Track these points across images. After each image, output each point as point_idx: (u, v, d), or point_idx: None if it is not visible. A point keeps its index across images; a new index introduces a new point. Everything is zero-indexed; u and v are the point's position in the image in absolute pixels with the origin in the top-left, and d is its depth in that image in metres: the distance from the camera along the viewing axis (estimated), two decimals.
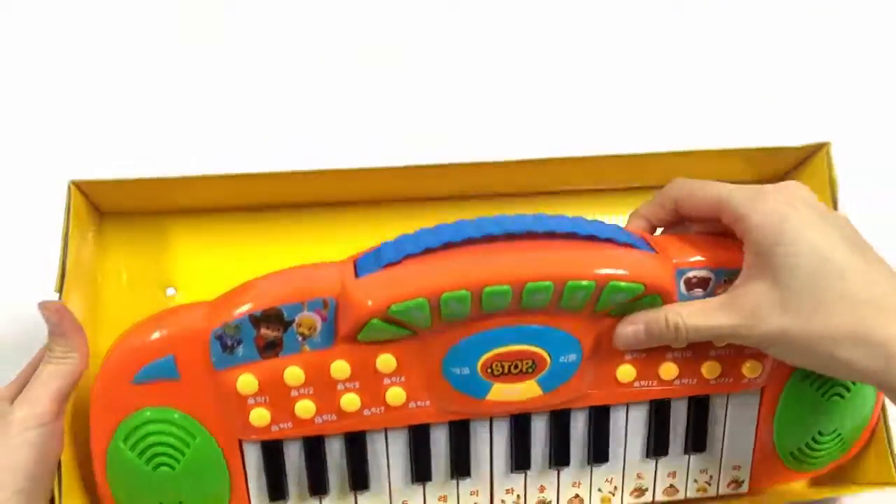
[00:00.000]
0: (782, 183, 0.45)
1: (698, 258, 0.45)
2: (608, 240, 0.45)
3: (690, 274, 0.45)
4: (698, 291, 0.46)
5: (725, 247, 0.46)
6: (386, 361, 0.44)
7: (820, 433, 0.51)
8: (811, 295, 0.41)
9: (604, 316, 0.45)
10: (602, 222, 0.46)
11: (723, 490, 0.52)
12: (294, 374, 0.44)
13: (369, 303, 0.42)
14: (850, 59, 0.69)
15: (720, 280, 0.46)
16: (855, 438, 0.52)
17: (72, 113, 0.61)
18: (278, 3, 0.66)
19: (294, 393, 0.44)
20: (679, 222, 0.49)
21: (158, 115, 0.62)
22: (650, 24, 0.68)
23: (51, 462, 0.43)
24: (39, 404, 0.43)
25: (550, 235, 0.45)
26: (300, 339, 0.44)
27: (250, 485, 0.47)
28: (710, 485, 0.52)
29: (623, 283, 0.43)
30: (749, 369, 0.48)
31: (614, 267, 0.43)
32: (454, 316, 0.43)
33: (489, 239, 0.44)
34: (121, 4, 0.65)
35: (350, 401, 0.45)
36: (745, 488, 0.52)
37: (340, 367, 0.44)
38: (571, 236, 0.45)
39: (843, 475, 0.55)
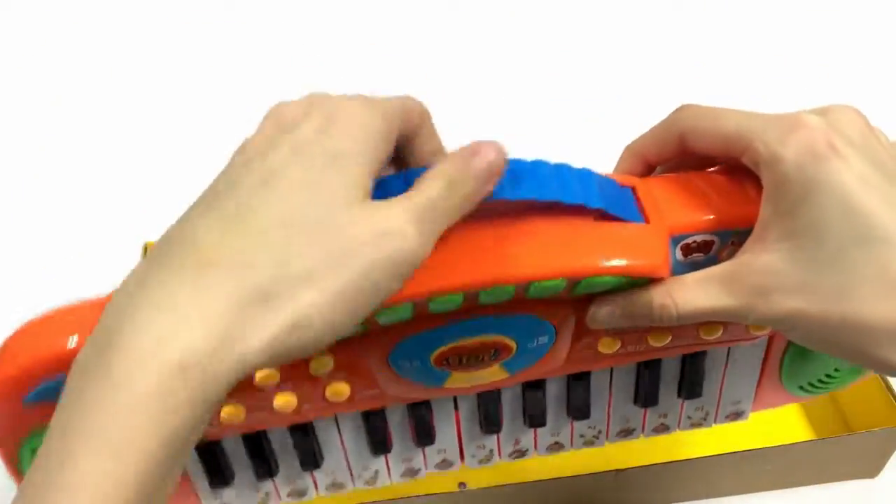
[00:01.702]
0: (830, 107, 0.34)
1: (700, 219, 0.36)
2: (595, 209, 0.35)
3: (689, 239, 0.36)
4: (698, 256, 0.37)
5: (738, 200, 0.36)
6: (321, 363, 0.37)
7: (836, 369, 0.44)
8: (841, 270, 0.32)
9: (579, 297, 0.37)
10: (583, 174, 0.36)
11: (720, 422, 0.47)
12: None
13: None
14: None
15: (726, 242, 0.37)
16: None
17: (147, 177, 0.66)
18: None
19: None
20: (684, 160, 0.39)
21: None
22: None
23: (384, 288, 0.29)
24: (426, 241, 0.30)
25: (521, 212, 0.35)
26: None
27: (193, 480, 0.42)
28: (705, 420, 0.46)
29: (602, 278, 0.34)
30: (757, 326, 0.40)
31: (591, 259, 0.34)
32: (395, 321, 0.35)
33: None
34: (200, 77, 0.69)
35: (285, 402, 0.38)
36: (745, 417, 0.47)
37: (266, 375, 0.37)
38: (552, 207, 0.35)
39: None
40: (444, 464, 0.46)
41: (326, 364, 0.37)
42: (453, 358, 0.37)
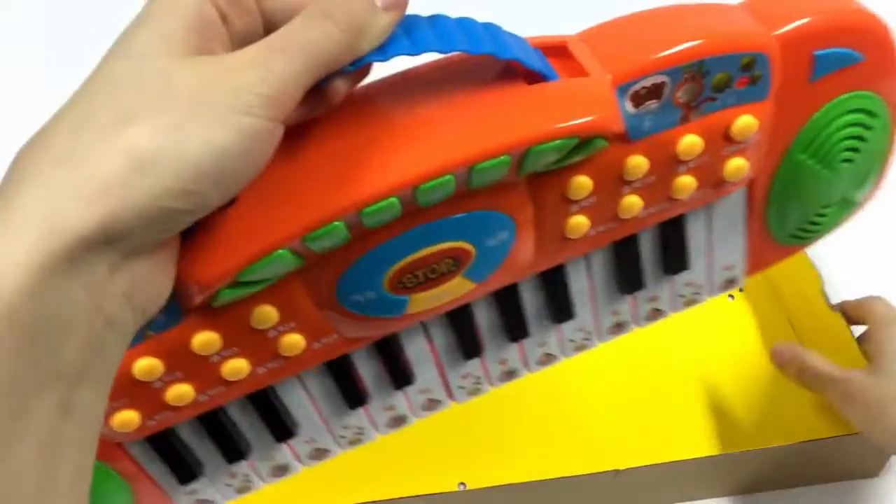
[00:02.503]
0: None
1: (643, 60, 0.32)
2: (523, 70, 0.31)
3: (637, 86, 0.32)
4: (652, 105, 0.33)
5: (680, 33, 0.32)
6: (264, 314, 0.33)
7: (825, 206, 0.40)
8: None
9: (533, 174, 0.33)
10: (490, 25, 0.31)
11: (715, 293, 0.43)
12: (146, 366, 0.32)
13: (202, 280, 0.29)
14: None
15: (678, 80, 0.32)
16: (869, 189, 0.41)
17: None
18: None
19: (157, 384, 0.33)
20: None
21: None
22: None
23: (241, 181, 0.26)
24: (273, 79, 0.25)
25: (439, 88, 0.31)
26: None
27: (155, 476, 0.37)
28: (698, 294, 0.43)
29: (551, 144, 0.30)
30: (733, 171, 0.36)
31: (533, 125, 0.30)
32: (329, 248, 0.31)
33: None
34: None
35: (235, 368, 0.34)
36: (740, 283, 0.43)
37: (204, 340, 0.32)
38: (475, 76, 0.31)
39: None
40: (432, 404, 0.41)
41: (269, 315, 0.33)
42: (408, 278, 0.33)
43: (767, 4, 0.34)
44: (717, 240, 0.40)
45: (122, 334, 0.25)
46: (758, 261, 0.42)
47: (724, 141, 0.35)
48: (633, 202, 0.35)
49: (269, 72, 0.25)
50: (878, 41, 0.35)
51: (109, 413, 0.33)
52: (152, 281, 0.26)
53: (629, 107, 0.32)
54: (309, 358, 0.35)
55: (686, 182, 0.35)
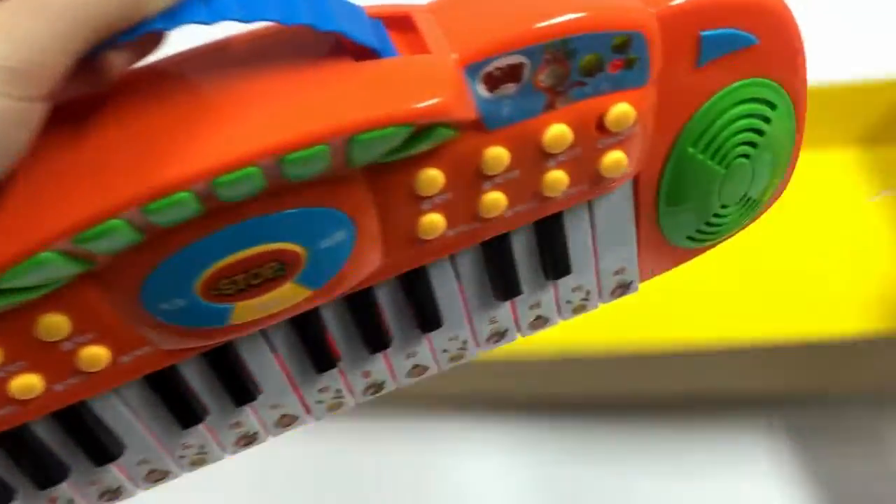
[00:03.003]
0: None
1: (497, 34, 0.28)
2: (349, 43, 0.26)
3: (490, 67, 0.28)
4: (509, 89, 0.28)
5: (536, 4, 0.28)
6: (52, 324, 0.28)
7: (723, 206, 0.36)
8: None
9: (372, 167, 0.28)
10: None
11: (607, 299, 0.39)
12: None
13: None
14: None
15: (538, 60, 0.28)
16: (773, 187, 0.38)
17: None
18: None
19: None
20: None
21: None
22: None
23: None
24: (25, 47, 0.21)
25: (252, 65, 0.26)
26: None
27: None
28: (587, 300, 0.39)
29: (374, 133, 0.25)
30: (611, 166, 0.32)
31: (359, 108, 0.25)
32: (116, 250, 0.26)
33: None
34: None
35: (25, 385, 0.29)
36: (634, 288, 0.39)
37: None
38: (294, 52, 0.26)
39: None
40: (288, 420, 0.37)
41: (58, 325, 0.28)
42: (225, 284, 0.28)
43: None
44: (604, 242, 0.36)
45: None
46: (653, 264, 0.39)
47: (598, 132, 0.30)
48: (495, 199, 0.31)
49: (19, 39, 0.20)
50: (775, 22, 0.31)
51: None
52: None
53: (482, 90, 0.28)
54: (120, 372, 0.30)
55: (557, 177, 0.31)
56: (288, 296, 0.30)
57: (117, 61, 0.24)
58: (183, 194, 0.24)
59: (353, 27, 0.26)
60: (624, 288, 0.39)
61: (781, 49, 0.32)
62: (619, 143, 0.31)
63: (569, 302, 0.38)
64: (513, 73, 0.28)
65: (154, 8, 0.23)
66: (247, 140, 0.24)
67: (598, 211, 0.34)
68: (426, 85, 0.26)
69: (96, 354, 0.29)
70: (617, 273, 0.38)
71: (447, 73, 0.26)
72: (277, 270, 0.29)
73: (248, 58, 0.27)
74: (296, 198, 0.27)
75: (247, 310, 0.30)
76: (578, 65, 0.29)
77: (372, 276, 0.32)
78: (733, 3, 0.30)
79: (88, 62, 0.23)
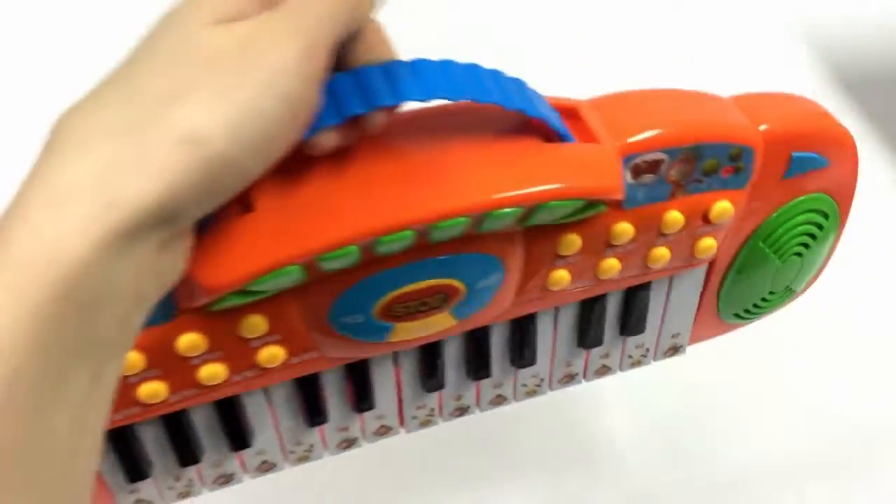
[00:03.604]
0: None
1: (651, 134, 0.34)
2: (539, 118, 0.33)
3: (639, 159, 0.34)
4: (647, 178, 0.35)
5: (677, 112, 0.35)
6: (253, 324, 0.33)
7: (771, 292, 0.44)
8: None
9: (531, 229, 0.34)
10: (497, 74, 0.33)
11: (659, 358, 0.46)
12: (128, 360, 0.32)
13: (211, 285, 0.29)
14: None
15: (675, 159, 0.35)
16: (810, 280, 0.45)
17: None
18: None
19: (133, 379, 0.33)
20: None
21: None
22: None
23: (283, 150, 0.26)
24: (308, 44, 0.25)
25: (457, 136, 0.32)
26: None
27: (102, 471, 0.37)
28: (645, 357, 0.45)
29: (559, 203, 0.32)
30: (703, 249, 0.39)
31: (549, 182, 0.32)
32: (336, 269, 0.31)
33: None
34: None
35: (213, 373, 0.34)
36: (683, 351, 0.46)
37: (191, 342, 0.32)
38: (493, 129, 0.33)
39: None
40: (383, 430, 0.42)
41: (258, 325, 0.33)
42: (399, 307, 0.34)
43: (754, 102, 0.38)
44: (672, 309, 0.43)
45: (145, 310, 0.26)
46: (700, 332, 0.45)
47: (703, 221, 0.37)
48: (612, 265, 0.37)
49: (303, 36, 0.25)
50: (845, 152, 0.39)
51: None
52: (178, 263, 0.26)
53: (629, 177, 0.35)
54: (284, 372, 0.35)
55: (661, 253, 0.38)
56: (439, 323, 0.36)
57: (382, 120, 0.29)
58: (407, 232, 0.30)
59: (549, 116, 0.32)
60: (675, 350, 0.46)
61: (844, 172, 0.40)
62: (714, 232, 0.38)
63: (629, 357, 0.45)
64: (654, 166, 0.35)
65: (372, 9, 0.28)
66: (467, 196, 0.30)
67: (676, 283, 0.41)
68: (601, 170, 0.33)
69: (275, 354, 0.34)
70: (673, 336, 0.45)
71: (614, 163, 0.33)
72: (441, 300, 0.35)
73: (461, 126, 0.33)
74: (475, 245, 0.33)
75: (404, 331, 0.35)
76: (702, 166, 0.36)
77: (499, 314, 0.38)
78: (819, 133, 0.38)
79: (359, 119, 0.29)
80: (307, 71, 0.25)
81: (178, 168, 0.23)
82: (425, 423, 0.43)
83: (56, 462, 0.23)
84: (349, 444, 0.42)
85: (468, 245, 0.33)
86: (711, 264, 0.41)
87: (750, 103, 0.38)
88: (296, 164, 0.31)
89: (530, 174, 0.31)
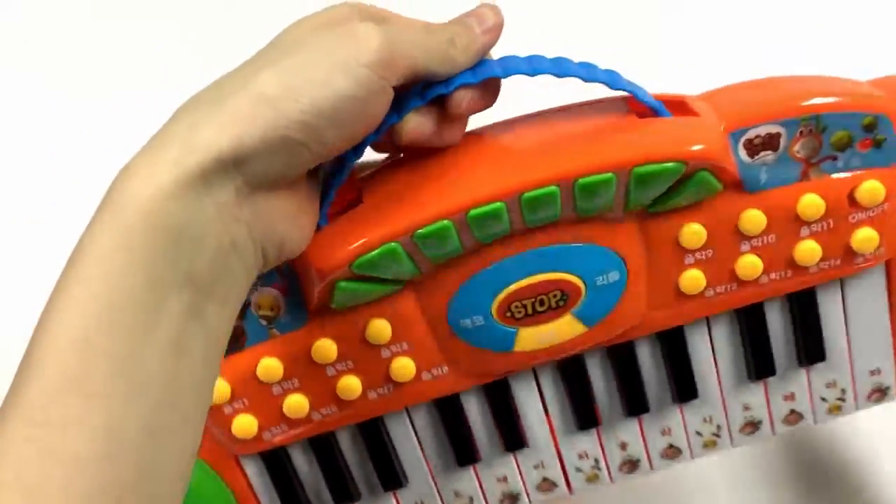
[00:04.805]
0: None
1: (757, 105, 0.33)
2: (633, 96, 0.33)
3: (751, 133, 0.33)
4: (768, 156, 0.34)
5: (794, 88, 0.34)
6: (378, 329, 0.35)
7: None
8: None
9: (644, 214, 0.34)
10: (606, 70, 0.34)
11: (863, 404, 0.40)
12: (269, 366, 0.35)
13: (320, 264, 0.32)
14: None
15: (794, 132, 0.33)
16: None
17: None
18: None
19: (276, 390, 0.36)
20: None
21: None
22: None
23: (354, 128, 0.29)
24: (391, 48, 0.29)
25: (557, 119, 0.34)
26: (264, 322, 0.35)
27: (260, 496, 0.39)
28: (843, 401, 0.40)
29: (658, 167, 0.31)
30: (862, 242, 0.35)
31: (641, 146, 0.32)
32: (442, 255, 0.33)
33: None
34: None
35: (348, 386, 0.36)
36: (892, 395, 0.40)
37: (323, 348, 0.35)
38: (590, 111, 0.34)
39: None
40: (548, 486, 0.40)
41: (382, 329, 0.35)
42: (516, 307, 0.34)
43: (891, 81, 0.35)
44: (857, 329, 0.38)
45: (245, 264, 0.29)
46: None
47: (849, 205, 0.34)
48: (752, 262, 0.35)
49: (389, 41, 0.29)
50: None
51: (230, 416, 0.36)
52: (274, 223, 0.29)
53: (744, 155, 0.33)
54: (419, 390, 0.36)
55: (810, 247, 0.35)
56: (565, 329, 0.35)
57: (465, 99, 0.32)
58: (498, 204, 0.31)
59: (637, 91, 0.33)
60: (881, 393, 0.40)
61: None
62: (871, 220, 0.35)
63: (824, 399, 0.40)
64: (771, 141, 0.33)
65: (466, 61, 0.31)
66: (549, 164, 0.31)
67: (850, 292, 0.37)
68: (696, 135, 0.32)
69: (406, 366, 0.35)
70: (873, 374, 0.39)
71: (713, 129, 0.32)
72: (559, 300, 0.34)
73: (553, 118, 0.34)
74: (581, 233, 0.33)
75: (528, 337, 0.35)
76: (830, 140, 0.34)
77: (636, 328, 0.36)
78: None
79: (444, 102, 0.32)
80: (382, 72, 0.29)
81: (248, 122, 0.27)
82: (593, 479, 0.40)
83: (156, 381, 0.26)
84: (512, 500, 0.40)
85: (574, 233, 0.33)
86: (889, 265, 0.37)
87: (887, 81, 0.35)
88: (399, 165, 0.34)
89: (615, 141, 0.32)
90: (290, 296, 0.34)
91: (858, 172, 0.34)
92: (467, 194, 0.31)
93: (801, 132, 0.33)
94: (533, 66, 0.32)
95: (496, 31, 0.32)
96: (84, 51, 0.57)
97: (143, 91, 0.54)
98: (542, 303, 0.34)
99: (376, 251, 0.32)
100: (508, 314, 0.34)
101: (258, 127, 0.27)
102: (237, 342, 0.35)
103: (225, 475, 0.38)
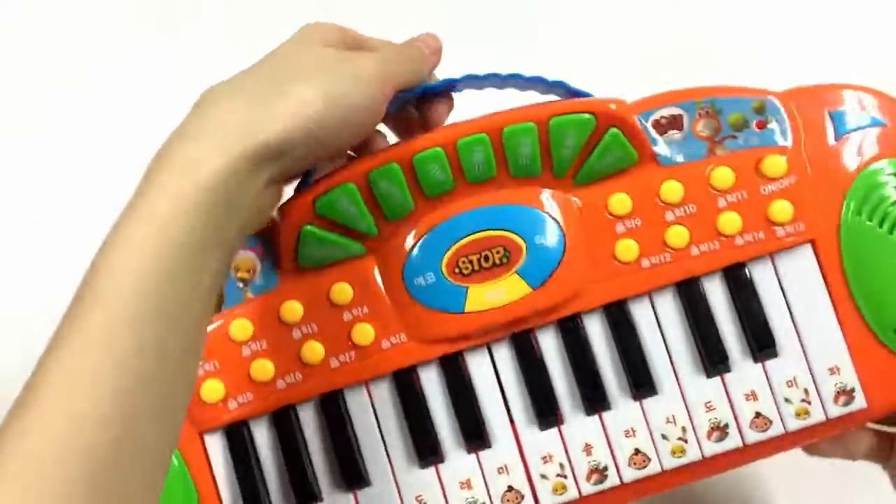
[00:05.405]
0: None
1: (659, 97, 0.40)
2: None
3: (657, 115, 0.40)
4: (675, 134, 0.40)
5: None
6: (341, 291, 0.39)
7: None
8: None
9: (574, 186, 0.39)
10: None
11: (832, 409, 0.40)
12: (240, 326, 0.38)
13: (289, 212, 0.38)
14: None
15: (693, 114, 0.40)
16: None
17: None
18: None
19: (245, 351, 0.39)
20: None
21: None
22: None
23: (359, 134, 0.36)
24: (386, 70, 0.37)
25: None
26: (241, 285, 0.39)
27: (222, 494, 0.39)
28: (809, 403, 0.40)
29: (568, 117, 0.38)
30: (778, 213, 0.39)
31: (554, 105, 0.38)
32: (393, 208, 0.38)
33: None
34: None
35: (312, 350, 0.38)
36: (860, 402, 0.39)
37: (291, 309, 0.39)
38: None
39: None
40: (513, 496, 0.40)
41: (345, 291, 0.39)
42: (464, 261, 0.38)
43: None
44: (801, 315, 0.39)
45: (243, 238, 0.34)
46: (872, 372, 0.40)
47: (758, 176, 0.39)
48: (679, 231, 0.39)
49: (385, 64, 0.37)
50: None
51: (200, 379, 0.38)
52: (265, 212, 0.35)
53: (654, 133, 0.39)
54: (378, 361, 0.39)
55: (730, 217, 0.39)
56: (511, 288, 0.38)
57: (439, 109, 0.40)
58: (437, 149, 0.37)
59: (567, 85, 0.40)
60: (847, 396, 0.40)
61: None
62: (783, 192, 0.39)
63: (788, 401, 0.40)
64: (675, 121, 0.40)
65: (424, 78, 0.40)
66: (482, 119, 0.38)
67: (782, 269, 0.39)
68: (607, 101, 0.39)
69: (366, 331, 0.39)
70: (832, 372, 0.40)
71: (622, 104, 0.39)
72: (503, 257, 0.38)
73: None
74: (519, 196, 0.39)
75: (479, 296, 0.38)
76: (728, 121, 0.39)
77: (581, 299, 0.39)
78: (855, 93, 0.40)
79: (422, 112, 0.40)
80: (380, 89, 0.37)
81: (291, 120, 0.34)
82: (560, 490, 0.39)
83: (193, 322, 0.31)
84: None
85: (512, 195, 0.39)
86: (816, 246, 0.39)
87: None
88: None
89: (541, 104, 0.39)
90: (266, 257, 0.39)
91: (760, 148, 0.39)
92: (413, 143, 0.38)
93: (700, 114, 0.40)
94: (480, 80, 0.40)
95: (439, 53, 0.41)
96: (84, 51, 0.59)
97: (144, 91, 0.58)
98: (486, 258, 0.38)
99: (335, 189, 0.37)
100: (457, 270, 0.38)
101: (298, 126, 0.34)
102: (216, 306, 0.39)
103: (185, 451, 0.39)
